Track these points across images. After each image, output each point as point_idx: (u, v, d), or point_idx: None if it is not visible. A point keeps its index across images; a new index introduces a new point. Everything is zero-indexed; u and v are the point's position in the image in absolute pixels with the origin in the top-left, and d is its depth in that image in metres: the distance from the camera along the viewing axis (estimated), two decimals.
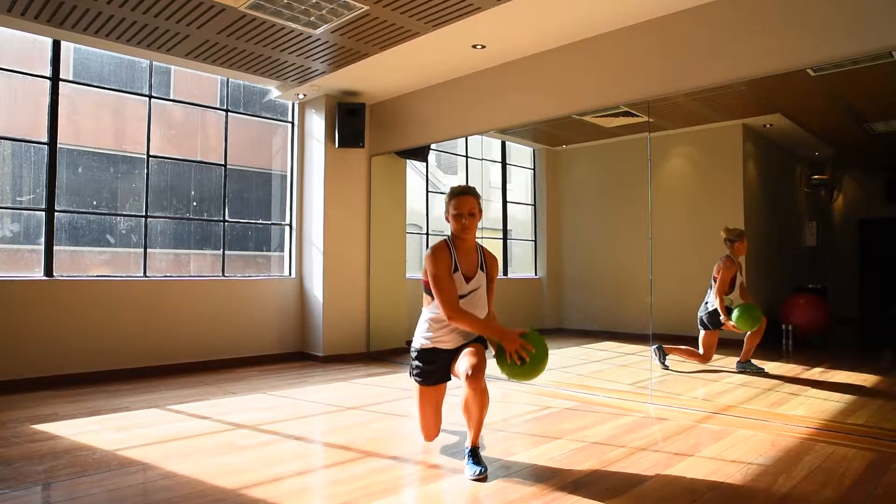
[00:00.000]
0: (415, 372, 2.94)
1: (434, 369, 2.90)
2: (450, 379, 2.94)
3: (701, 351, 5.01)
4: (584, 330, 7.08)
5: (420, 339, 2.93)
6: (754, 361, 4.99)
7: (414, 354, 2.94)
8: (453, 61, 5.07)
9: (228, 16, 4.14)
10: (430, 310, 2.90)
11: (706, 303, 5.04)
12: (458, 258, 2.85)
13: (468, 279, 2.85)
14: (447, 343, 2.87)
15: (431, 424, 3.00)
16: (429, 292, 2.87)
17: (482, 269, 2.91)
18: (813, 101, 5.36)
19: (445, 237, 2.93)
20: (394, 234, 6.43)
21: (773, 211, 6.75)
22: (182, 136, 5.74)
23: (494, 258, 3.02)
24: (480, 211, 2.88)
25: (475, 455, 2.68)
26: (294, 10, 4.04)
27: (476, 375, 2.61)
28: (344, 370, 5.42)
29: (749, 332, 4.91)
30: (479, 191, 2.96)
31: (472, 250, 2.91)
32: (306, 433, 3.36)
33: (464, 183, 4.87)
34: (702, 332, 5.02)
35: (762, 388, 4.50)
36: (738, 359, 5.03)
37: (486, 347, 2.88)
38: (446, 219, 2.89)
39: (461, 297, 2.81)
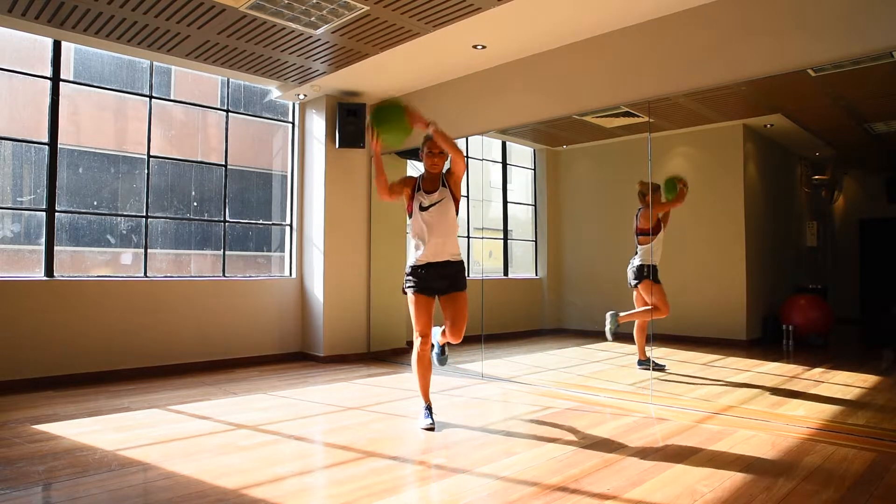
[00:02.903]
0: (409, 285, 3.49)
1: (425, 285, 3.46)
2: (435, 298, 3.51)
3: (650, 304, 4.99)
4: (585, 330, 7.08)
5: (410, 260, 3.55)
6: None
7: (408, 271, 3.53)
8: (454, 61, 5.07)
9: (229, 16, 4.14)
10: (410, 232, 3.59)
11: (634, 259, 5.07)
12: (422, 182, 3.56)
13: (429, 193, 3.50)
14: (427, 256, 3.47)
15: (426, 323, 3.48)
16: (410, 215, 3.56)
17: (444, 185, 3.51)
18: (813, 102, 5.36)
19: (420, 174, 3.63)
20: (394, 235, 6.43)
21: (774, 211, 6.75)
22: (183, 137, 5.74)
23: (452, 171, 3.54)
24: (446, 153, 3.53)
25: (443, 350, 3.88)
26: (294, 11, 4.04)
27: (455, 339, 3.54)
28: (344, 370, 5.43)
29: (636, 328, 4.99)
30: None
31: (437, 178, 3.56)
32: (307, 433, 3.36)
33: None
34: (639, 288, 5.00)
35: (762, 389, 4.50)
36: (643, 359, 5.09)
37: (463, 289, 3.55)
38: (420, 157, 3.57)
39: (426, 207, 3.47)
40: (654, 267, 4.94)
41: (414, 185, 3.56)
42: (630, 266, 5.07)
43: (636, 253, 5.06)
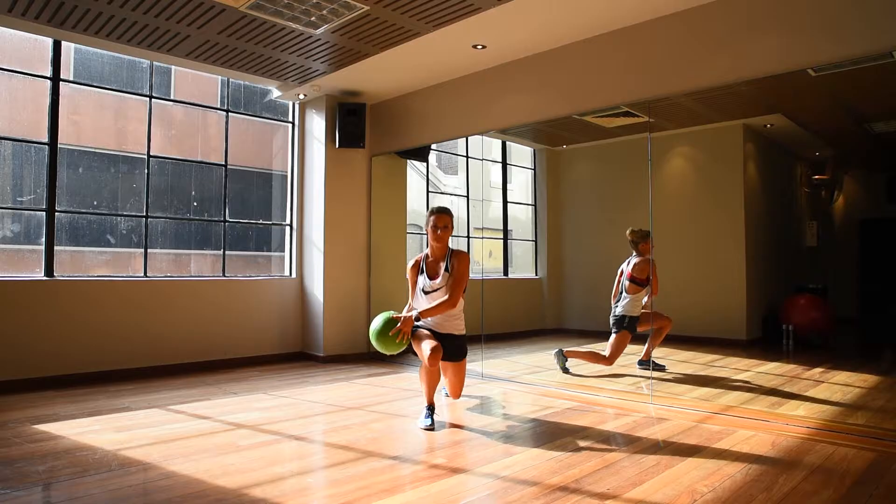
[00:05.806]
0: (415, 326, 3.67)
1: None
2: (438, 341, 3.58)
3: (607, 353, 4.97)
4: (585, 330, 7.07)
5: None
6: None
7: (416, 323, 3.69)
8: (454, 61, 5.07)
9: (229, 16, 4.14)
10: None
11: (618, 304, 5.01)
12: (427, 264, 3.72)
13: (431, 278, 3.68)
14: (427, 323, 3.71)
15: (432, 343, 3.54)
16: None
17: (448, 270, 3.64)
18: (813, 101, 5.36)
19: (426, 252, 3.80)
20: (394, 235, 6.43)
21: (774, 211, 6.75)
22: (183, 137, 5.74)
23: (462, 255, 3.71)
24: (452, 226, 3.74)
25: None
26: (294, 11, 4.04)
27: (456, 396, 3.94)
28: (344, 370, 5.43)
29: (651, 332, 4.94)
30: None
31: (441, 257, 3.69)
32: (307, 433, 3.36)
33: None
34: (613, 335, 4.99)
35: (762, 389, 4.50)
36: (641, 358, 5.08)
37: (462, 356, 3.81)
38: (426, 230, 3.73)
39: (426, 292, 3.67)
40: (635, 319, 4.93)
41: (419, 268, 3.74)
42: (612, 313, 5.02)
43: (619, 299, 5.01)
